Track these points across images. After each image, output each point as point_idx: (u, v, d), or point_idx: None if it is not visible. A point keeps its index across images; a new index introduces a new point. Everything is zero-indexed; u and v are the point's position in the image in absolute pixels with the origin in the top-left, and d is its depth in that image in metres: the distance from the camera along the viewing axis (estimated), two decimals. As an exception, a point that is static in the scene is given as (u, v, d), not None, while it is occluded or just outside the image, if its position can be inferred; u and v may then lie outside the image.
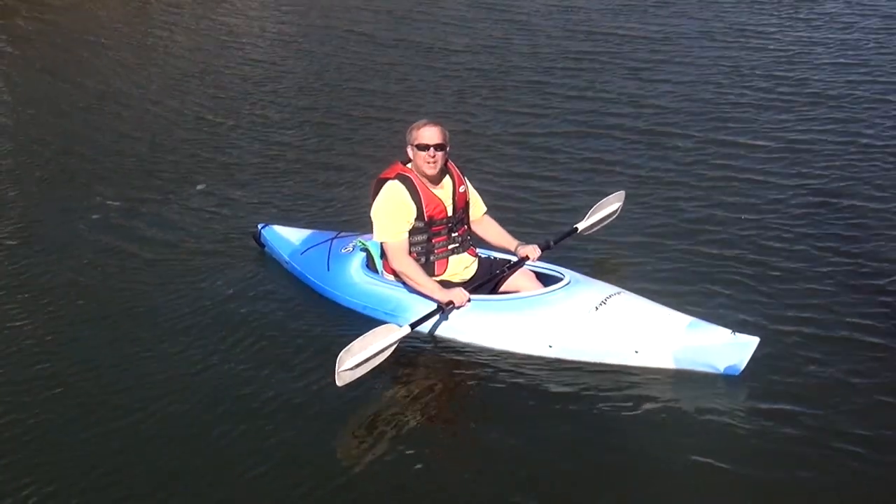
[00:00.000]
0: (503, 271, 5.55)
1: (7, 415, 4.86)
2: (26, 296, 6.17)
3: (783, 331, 5.19)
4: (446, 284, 5.38)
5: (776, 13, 12.57)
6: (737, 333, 4.85)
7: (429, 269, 5.40)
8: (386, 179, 5.39)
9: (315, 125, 9.51)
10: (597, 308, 5.11)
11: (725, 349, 4.82)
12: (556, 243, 5.86)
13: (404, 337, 5.00)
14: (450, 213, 5.42)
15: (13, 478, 4.37)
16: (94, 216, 7.43)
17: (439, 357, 5.26)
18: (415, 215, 5.31)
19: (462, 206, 5.50)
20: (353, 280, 5.73)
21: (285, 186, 7.95)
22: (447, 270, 5.47)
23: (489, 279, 5.52)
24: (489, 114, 9.43)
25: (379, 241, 5.46)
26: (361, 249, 5.82)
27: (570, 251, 6.13)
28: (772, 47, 11.02)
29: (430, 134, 5.24)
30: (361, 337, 4.79)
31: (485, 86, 10.34)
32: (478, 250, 5.69)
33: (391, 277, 5.56)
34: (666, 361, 4.92)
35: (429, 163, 5.25)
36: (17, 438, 4.66)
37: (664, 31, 12.01)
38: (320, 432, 4.63)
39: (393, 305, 5.48)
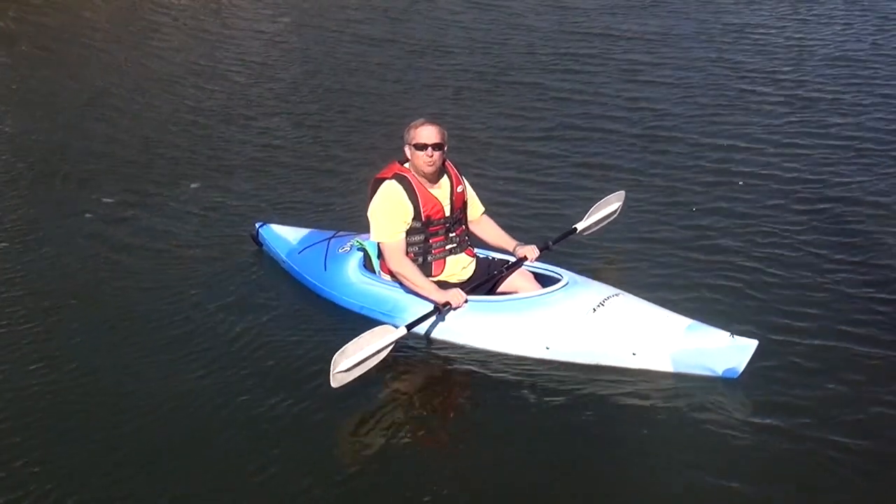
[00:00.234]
0: (501, 272, 5.52)
1: (1, 423, 4.82)
2: (20, 297, 6.13)
3: (782, 333, 5.16)
4: (444, 285, 5.35)
5: (774, 13, 12.51)
6: (736, 336, 4.81)
7: (426, 269, 5.37)
8: (383, 179, 5.36)
9: (313, 124, 9.47)
10: (594, 310, 5.08)
11: (724, 352, 4.78)
12: (554, 244, 5.83)
13: (400, 338, 4.97)
14: (447, 213, 5.38)
15: (10, 487, 4.33)
16: (89, 216, 7.39)
17: (435, 358, 5.22)
18: (412, 215, 5.27)
19: (460, 206, 5.47)
20: (350, 280, 5.70)
21: (284, 185, 7.91)
22: (444, 271, 5.44)
23: (487, 280, 5.49)
24: (487, 113, 9.38)
25: (375, 241, 5.43)
26: (359, 249, 5.79)
27: (569, 252, 6.09)
28: (770, 48, 10.97)
29: (427, 133, 5.21)
30: (356, 338, 4.76)
31: (483, 85, 10.28)
32: (476, 251, 5.65)
33: (388, 278, 5.52)
34: (664, 364, 4.89)
35: (427, 162, 5.22)
36: (14, 446, 4.60)
37: (662, 31, 11.93)
38: (314, 435, 4.60)
39: (390, 306, 5.45)
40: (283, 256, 6.23)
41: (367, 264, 5.70)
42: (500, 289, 5.55)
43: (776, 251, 6.17)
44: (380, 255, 5.50)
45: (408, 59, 11.44)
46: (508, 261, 5.61)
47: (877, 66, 10.08)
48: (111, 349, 5.45)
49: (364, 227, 5.52)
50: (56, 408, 4.89)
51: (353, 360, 4.70)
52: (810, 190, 7.11)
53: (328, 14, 14.01)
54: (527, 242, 5.64)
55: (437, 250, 5.41)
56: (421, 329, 5.21)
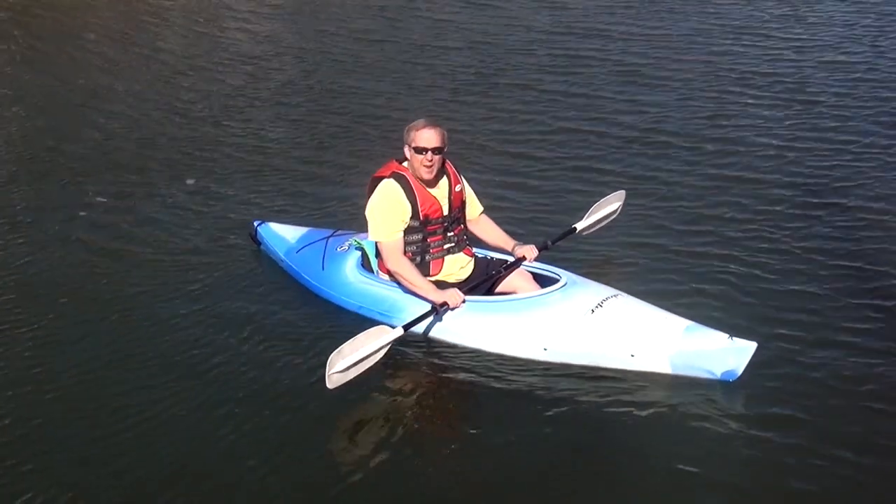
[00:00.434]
0: (499, 272, 5.49)
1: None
2: (13, 298, 6.10)
3: (781, 336, 5.13)
4: (441, 285, 5.33)
5: (773, 12, 12.45)
6: (734, 338, 4.78)
7: (424, 269, 5.35)
8: (381, 178, 5.34)
9: (311, 122, 9.44)
10: (593, 311, 5.05)
11: (723, 354, 4.75)
12: (554, 243, 5.80)
13: (397, 339, 4.95)
14: (445, 212, 5.35)
15: (9, 483, 4.32)
16: (86, 214, 7.37)
17: (432, 359, 5.20)
18: (410, 214, 5.25)
19: (458, 205, 5.44)
20: (348, 279, 5.67)
21: (282, 184, 7.88)
22: (442, 270, 5.42)
23: (485, 280, 5.46)
24: (486, 112, 9.34)
25: (373, 241, 5.40)
26: (357, 248, 5.77)
27: (569, 252, 6.07)
28: (769, 49, 10.90)
29: (428, 136, 5.18)
30: (353, 339, 4.73)
31: (481, 84, 10.24)
32: (474, 250, 5.62)
33: (386, 277, 5.50)
34: (662, 366, 4.86)
35: (426, 166, 5.19)
36: (11, 443, 4.60)
37: (661, 31, 11.87)
38: (310, 436, 4.58)
39: (388, 306, 5.42)
40: (281, 255, 6.21)
41: (365, 263, 5.68)
42: (499, 289, 5.52)
43: (776, 253, 6.13)
44: (378, 254, 5.47)
45: (406, 58, 11.40)
46: (507, 260, 5.58)
47: (877, 66, 10.02)
48: (107, 349, 5.42)
49: (363, 226, 5.49)
50: (52, 410, 4.86)
51: (349, 360, 4.68)
52: (811, 192, 7.07)
53: (325, 13, 13.99)
54: (526, 242, 5.62)
55: (435, 250, 5.38)
56: (418, 329, 5.18)
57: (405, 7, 13.81)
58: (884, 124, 8.36)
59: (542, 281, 5.47)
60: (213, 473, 4.36)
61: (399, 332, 4.96)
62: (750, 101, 9.16)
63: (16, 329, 5.67)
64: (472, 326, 5.19)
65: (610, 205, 6.29)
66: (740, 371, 4.70)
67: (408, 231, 5.29)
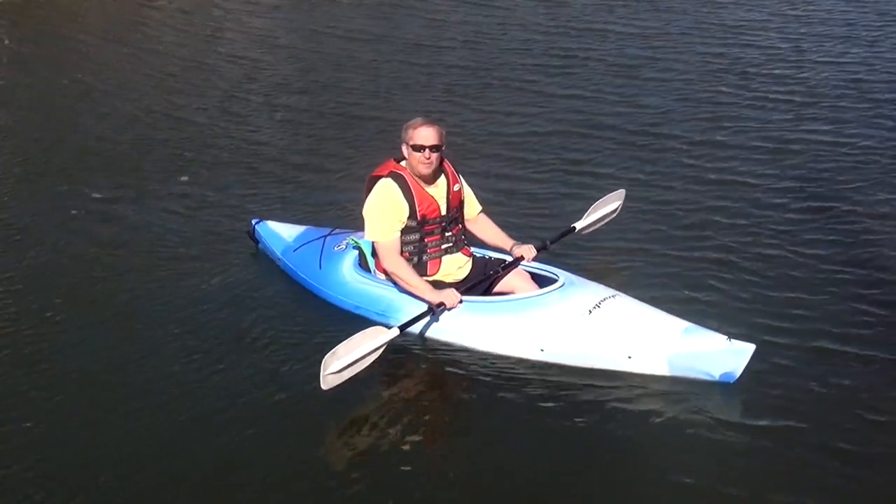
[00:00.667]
0: (497, 272, 5.46)
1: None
2: (9, 296, 6.07)
3: (780, 338, 5.09)
4: (439, 285, 5.30)
5: (773, 11, 12.37)
6: (733, 340, 4.75)
7: (421, 268, 5.32)
8: (378, 177, 5.31)
9: (309, 121, 9.38)
10: (590, 311, 5.02)
11: (721, 356, 4.72)
12: (552, 243, 5.77)
13: (393, 339, 4.92)
14: (443, 212, 5.32)
15: (8, 488, 4.31)
16: (82, 212, 7.34)
17: (429, 360, 5.18)
18: (407, 214, 5.22)
19: (456, 204, 5.41)
20: (345, 279, 5.65)
21: (280, 182, 7.85)
22: (440, 270, 5.39)
23: (482, 280, 5.43)
24: (484, 110, 9.29)
25: (370, 240, 5.37)
26: (354, 247, 5.73)
27: (568, 251, 6.04)
28: (767, 45, 10.84)
29: (426, 134, 5.14)
30: (348, 339, 4.71)
31: (479, 82, 10.18)
32: (473, 250, 5.59)
33: (383, 277, 5.47)
34: (660, 367, 4.83)
35: (424, 164, 5.16)
36: (7, 449, 4.56)
37: (660, 28, 11.79)
38: (304, 438, 4.55)
39: (384, 306, 5.39)
40: (279, 254, 6.18)
41: (362, 263, 5.64)
42: (497, 289, 5.49)
43: (775, 254, 6.09)
44: (374, 253, 5.44)
45: (403, 57, 11.34)
46: (505, 260, 5.54)
47: (877, 67, 9.93)
48: (102, 349, 5.40)
49: (360, 225, 5.46)
50: (48, 412, 4.84)
51: (344, 361, 4.65)
52: (810, 193, 7.02)
53: (322, 12, 13.92)
54: (524, 242, 5.59)
55: (432, 249, 5.35)
56: (414, 330, 5.16)
57: (402, 6, 13.74)
58: (884, 126, 8.29)
59: (541, 281, 5.44)
60: (205, 474, 4.34)
61: (395, 332, 4.93)
62: (749, 101, 9.09)
63: (9, 332, 5.63)
64: (469, 327, 5.16)
65: (609, 204, 6.24)
66: (738, 373, 4.67)
67: (405, 231, 5.26)
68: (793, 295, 5.56)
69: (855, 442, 4.31)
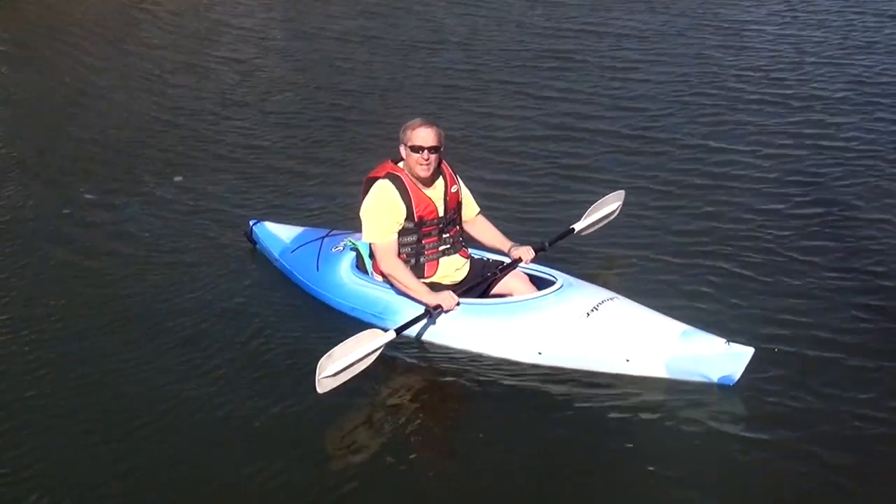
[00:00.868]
0: (495, 274, 5.43)
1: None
2: (6, 298, 6.07)
3: (779, 341, 5.05)
4: (436, 287, 5.27)
5: (771, 10, 12.30)
6: (731, 343, 4.72)
7: (419, 270, 5.29)
8: (375, 178, 5.29)
9: (307, 121, 9.35)
10: (588, 314, 4.99)
11: (719, 359, 4.69)
12: (551, 245, 5.74)
13: (389, 342, 4.90)
14: (441, 213, 5.29)
15: (6, 490, 4.30)
16: (76, 213, 7.33)
17: (425, 363, 5.14)
18: (404, 216, 5.19)
19: (454, 206, 5.38)
20: (342, 280, 5.62)
21: (278, 183, 7.82)
22: (438, 272, 5.35)
23: (480, 282, 5.40)
24: (481, 111, 9.24)
25: (367, 242, 5.34)
26: (351, 249, 5.71)
27: (567, 253, 6.00)
28: (765, 47, 10.76)
29: (424, 135, 5.11)
30: (343, 342, 4.69)
31: (477, 83, 10.13)
32: (470, 251, 5.56)
33: (380, 279, 5.44)
34: (658, 370, 4.80)
35: (422, 165, 5.13)
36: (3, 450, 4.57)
37: (658, 29, 11.73)
38: (299, 442, 4.53)
39: (381, 307, 5.37)
40: (276, 255, 6.16)
41: (359, 265, 5.62)
42: (494, 291, 5.46)
43: (774, 257, 6.05)
44: (372, 255, 5.42)
45: (400, 57, 11.30)
46: (503, 262, 5.51)
47: (875, 66, 9.86)
48: (98, 351, 5.38)
49: (358, 226, 5.43)
50: (43, 414, 4.84)
51: (339, 364, 4.63)
52: (810, 195, 6.97)
53: (319, 12, 13.89)
54: (523, 243, 5.56)
55: (430, 251, 5.32)
56: (411, 332, 5.13)
57: (398, 6, 13.69)
58: (886, 130, 8.20)
59: (539, 283, 5.41)
60: (198, 476, 4.33)
61: (391, 335, 4.91)
62: (748, 102, 9.01)
63: (4, 333, 5.62)
64: (466, 329, 5.13)
65: (609, 205, 6.22)
66: (737, 377, 4.64)
67: (402, 232, 5.23)
68: (792, 298, 5.52)
69: (853, 446, 4.28)
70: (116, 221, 7.17)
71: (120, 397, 4.93)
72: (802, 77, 9.63)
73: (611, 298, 5.12)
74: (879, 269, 5.84)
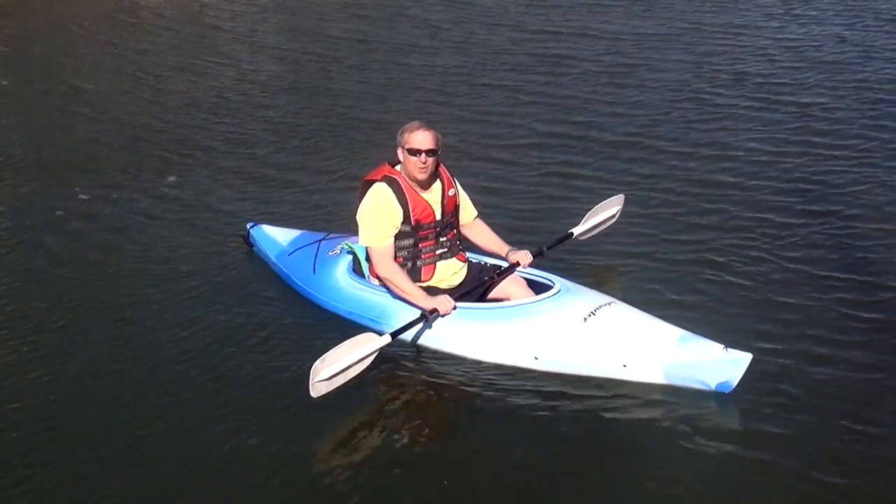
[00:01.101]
0: (492, 278, 5.40)
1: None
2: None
3: (777, 347, 5.02)
4: (433, 291, 5.24)
5: (768, 12, 12.27)
6: (729, 349, 4.68)
7: (415, 274, 5.26)
8: (372, 181, 5.26)
9: (306, 123, 9.34)
10: (585, 319, 4.95)
11: (717, 365, 4.66)
12: (549, 249, 5.70)
13: (384, 346, 4.87)
14: (438, 216, 5.27)
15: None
16: (70, 215, 7.31)
17: (421, 368, 5.11)
18: (401, 219, 5.16)
19: (451, 209, 5.35)
20: (339, 284, 5.59)
21: (276, 185, 7.81)
22: (434, 276, 5.33)
23: (477, 286, 5.37)
24: (478, 114, 9.22)
25: (363, 246, 5.31)
26: (348, 252, 5.69)
27: (565, 257, 5.98)
28: (763, 48, 10.75)
29: (422, 138, 5.09)
30: (338, 346, 4.66)
31: (475, 85, 10.11)
32: (468, 255, 5.53)
33: (377, 282, 5.42)
34: (655, 376, 4.76)
35: (419, 168, 5.10)
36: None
37: (653, 30, 11.72)
38: (292, 446, 4.50)
39: (378, 312, 5.34)
40: (273, 258, 6.14)
41: (356, 268, 5.60)
42: (492, 295, 5.43)
43: (773, 262, 6.01)
44: (368, 259, 5.38)
45: (398, 60, 11.30)
46: (501, 266, 5.49)
47: (873, 69, 9.82)
48: (93, 355, 5.36)
49: (355, 230, 5.39)
50: (39, 415, 4.81)
51: (333, 368, 4.60)
52: (809, 199, 6.92)
53: (316, 13, 13.88)
54: (520, 247, 5.52)
55: (426, 255, 5.30)
56: (407, 337, 5.10)
57: (395, 9, 13.68)
58: (884, 129, 8.18)
59: (537, 287, 5.38)
60: (192, 479, 4.30)
61: (386, 339, 4.88)
62: (746, 105, 8.99)
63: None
64: (463, 334, 5.10)
65: (608, 209, 6.18)
66: (735, 383, 4.61)
67: (399, 236, 5.20)
68: (791, 304, 5.49)
69: (853, 452, 4.26)
70: (111, 222, 7.15)
71: (113, 401, 4.90)
72: (802, 81, 9.60)
73: (608, 303, 5.09)
74: (878, 274, 5.80)
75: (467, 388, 4.92)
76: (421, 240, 5.25)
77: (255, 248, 6.40)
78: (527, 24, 12.46)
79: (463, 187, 5.52)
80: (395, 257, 5.22)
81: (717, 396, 4.64)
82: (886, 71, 9.76)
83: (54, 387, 5.06)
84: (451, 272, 5.37)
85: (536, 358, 4.94)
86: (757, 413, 4.54)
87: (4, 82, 11.20)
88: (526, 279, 5.46)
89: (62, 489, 4.28)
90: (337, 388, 4.64)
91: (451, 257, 5.38)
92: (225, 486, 4.26)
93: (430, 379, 5.03)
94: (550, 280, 5.34)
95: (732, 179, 7.35)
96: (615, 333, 4.89)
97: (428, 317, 5.06)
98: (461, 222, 5.50)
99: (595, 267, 6.05)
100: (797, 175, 7.38)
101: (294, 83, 10.72)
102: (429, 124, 5.23)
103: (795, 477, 4.13)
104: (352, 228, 5.54)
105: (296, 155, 8.51)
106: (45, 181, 8.07)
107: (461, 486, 4.23)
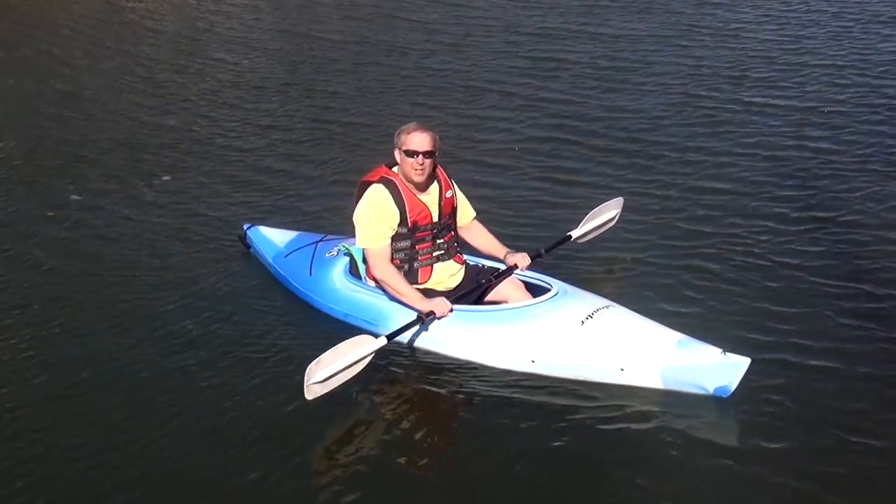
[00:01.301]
0: (490, 280, 5.37)
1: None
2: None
3: (776, 351, 4.99)
4: (430, 293, 5.21)
5: (766, 13, 12.23)
6: (728, 353, 4.64)
7: (412, 276, 5.24)
8: (369, 183, 5.24)
9: (304, 124, 9.31)
10: (583, 322, 4.92)
11: (715, 369, 4.62)
12: (547, 251, 5.68)
13: (380, 349, 4.83)
14: (435, 218, 5.24)
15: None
16: (65, 215, 7.29)
17: (417, 371, 5.08)
18: (398, 221, 5.14)
19: (448, 211, 5.33)
20: (335, 286, 5.56)
21: (273, 187, 7.78)
22: (431, 278, 5.30)
23: (474, 288, 5.34)
24: (476, 115, 9.19)
25: (360, 247, 5.29)
26: (345, 254, 5.66)
27: (563, 260, 5.95)
28: (761, 49, 10.70)
29: (419, 140, 5.06)
30: (333, 348, 4.63)
31: (473, 87, 10.07)
32: (466, 257, 5.50)
33: (374, 284, 5.39)
34: (653, 380, 4.73)
35: (416, 170, 5.08)
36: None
37: (650, 32, 11.68)
38: (287, 449, 4.46)
39: (374, 314, 5.31)
40: (270, 260, 6.11)
41: (353, 270, 5.57)
42: (489, 298, 5.40)
43: (772, 266, 5.96)
44: (365, 260, 5.36)
45: (396, 61, 11.28)
46: (498, 268, 5.46)
47: (872, 72, 9.78)
48: (87, 356, 5.33)
49: (353, 231, 5.37)
50: (34, 419, 4.79)
51: (328, 371, 4.57)
52: (808, 202, 6.89)
53: (311, 15, 13.86)
54: (518, 250, 5.50)
55: (423, 257, 5.27)
56: (403, 339, 5.07)
57: (393, 11, 13.65)
58: (884, 133, 8.12)
59: (534, 290, 5.35)
60: (184, 481, 4.29)
61: (382, 342, 4.85)
62: (745, 107, 8.95)
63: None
64: (459, 337, 5.07)
65: (607, 212, 6.16)
66: (733, 387, 4.57)
67: (396, 238, 5.18)
68: (790, 308, 5.45)
69: (854, 456, 4.24)
70: (105, 224, 7.12)
71: (106, 404, 4.87)
72: (800, 81, 9.57)
73: (606, 306, 5.06)
74: (879, 277, 5.77)
75: (463, 392, 4.90)
76: (418, 242, 5.22)
77: (251, 250, 6.37)
78: (524, 26, 12.43)
79: (460, 188, 5.49)
80: (392, 259, 5.20)
81: (716, 401, 4.61)
82: (886, 73, 9.71)
83: (47, 391, 5.02)
84: (448, 274, 5.34)
85: (533, 361, 4.90)
86: (755, 417, 4.51)
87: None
88: (524, 282, 5.44)
89: (56, 496, 4.25)
90: (332, 390, 4.60)
91: (449, 259, 5.35)
92: (220, 488, 4.23)
93: (425, 382, 5.00)
94: (548, 283, 5.32)
95: (731, 183, 7.31)
96: (613, 337, 4.86)
97: (424, 319, 5.03)
98: (459, 224, 5.47)
99: (593, 270, 6.03)
100: (796, 179, 7.34)
101: (292, 84, 10.69)
102: (426, 125, 5.21)
103: (793, 482, 4.10)
104: (349, 230, 5.51)
105: (293, 156, 8.48)
106: (37, 182, 8.05)
107: (456, 489, 4.20)
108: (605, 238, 6.21)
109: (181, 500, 4.22)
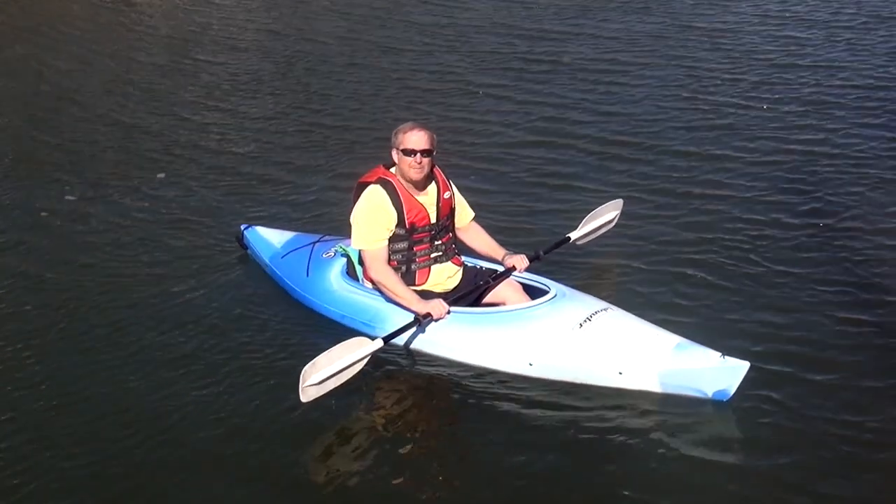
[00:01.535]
0: (487, 282, 5.34)
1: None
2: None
3: (775, 355, 4.97)
4: (428, 295, 5.18)
5: (763, 14, 12.20)
6: (726, 357, 4.62)
7: (410, 278, 5.21)
8: (366, 183, 5.21)
9: (302, 125, 9.28)
10: (581, 325, 4.89)
11: (714, 373, 4.59)
12: (546, 253, 5.65)
13: (376, 351, 4.80)
14: (433, 219, 5.21)
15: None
16: (60, 216, 7.26)
17: (413, 373, 5.07)
18: (395, 222, 5.11)
19: (447, 212, 5.30)
20: (332, 287, 5.54)
21: (270, 187, 7.76)
22: (429, 280, 5.27)
23: (472, 290, 5.31)
24: (472, 117, 9.15)
25: (357, 248, 5.25)
26: (342, 255, 5.62)
27: (562, 262, 5.92)
28: (759, 51, 10.68)
29: (417, 139, 5.03)
30: (329, 350, 4.60)
31: (471, 87, 10.04)
32: (464, 259, 5.47)
33: (370, 286, 5.36)
34: (651, 384, 4.70)
35: (414, 168, 5.05)
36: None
37: (648, 33, 11.65)
38: (282, 450, 4.45)
39: (371, 315, 5.28)
40: (266, 260, 6.09)
41: (350, 271, 5.54)
42: (487, 300, 5.38)
43: (771, 269, 5.94)
44: (362, 262, 5.32)
45: (393, 61, 11.26)
46: (497, 270, 5.43)
47: (870, 71, 9.75)
48: (83, 357, 5.31)
49: (350, 232, 5.33)
50: (30, 422, 4.77)
51: (324, 373, 4.54)
52: (807, 205, 6.86)
53: (311, 15, 13.83)
54: (516, 251, 5.47)
55: (421, 258, 5.24)
56: (400, 341, 5.04)
57: (391, 12, 13.62)
58: (882, 137, 8.07)
59: (533, 292, 5.32)
60: (180, 483, 4.27)
61: (378, 343, 4.82)
62: (744, 108, 8.92)
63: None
64: (456, 339, 5.04)
65: (606, 214, 6.13)
66: (732, 391, 4.55)
67: (393, 239, 5.15)
68: (789, 312, 5.43)
69: (853, 460, 4.23)
70: (100, 224, 7.10)
71: (102, 405, 4.85)
72: (796, 83, 9.54)
73: (605, 309, 5.03)
74: (876, 281, 5.75)
75: (460, 394, 4.87)
76: (415, 243, 5.20)
77: (248, 250, 6.34)
78: (521, 25, 12.41)
79: (459, 189, 5.46)
80: (390, 260, 5.17)
81: (714, 405, 4.59)
82: (884, 73, 9.69)
83: (44, 390, 5.00)
84: (445, 276, 5.32)
85: (531, 364, 4.88)
86: (754, 421, 4.49)
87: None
88: (522, 284, 5.41)
89: (55, 494, 4.24)
90: (328, 392, 4.57)
91: (447, 261, 5.32)
92: (216, 489, 4.22)
93: (422, 384, 4.99)
94: (546, 285, 5.29)
95: (730, 184, 7.29)
96: (611, 340, 4.83)
97: (421, 321, 5.00)
98: (457, 225, 5.45)
99: (592, 272, 6.01)
100: (795, 179, 7.31)
101: (289, 84, 10.67)
102: (423, 124, 5.20)
103: (793, 485, 4.09)
104: (347, 231, 5.48)
105: (291, 156, 8.46)
106: (31, 182, 8.02)
107: (452, 492, 4.19)
108: (604, 240, 6.19)
109: (179, 498, 4.20)
